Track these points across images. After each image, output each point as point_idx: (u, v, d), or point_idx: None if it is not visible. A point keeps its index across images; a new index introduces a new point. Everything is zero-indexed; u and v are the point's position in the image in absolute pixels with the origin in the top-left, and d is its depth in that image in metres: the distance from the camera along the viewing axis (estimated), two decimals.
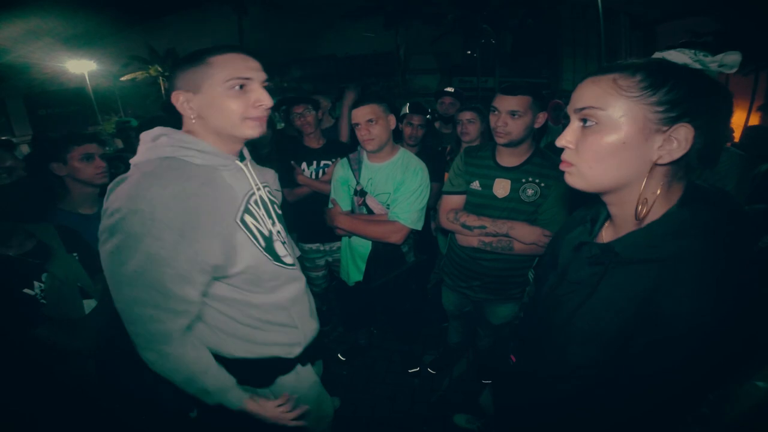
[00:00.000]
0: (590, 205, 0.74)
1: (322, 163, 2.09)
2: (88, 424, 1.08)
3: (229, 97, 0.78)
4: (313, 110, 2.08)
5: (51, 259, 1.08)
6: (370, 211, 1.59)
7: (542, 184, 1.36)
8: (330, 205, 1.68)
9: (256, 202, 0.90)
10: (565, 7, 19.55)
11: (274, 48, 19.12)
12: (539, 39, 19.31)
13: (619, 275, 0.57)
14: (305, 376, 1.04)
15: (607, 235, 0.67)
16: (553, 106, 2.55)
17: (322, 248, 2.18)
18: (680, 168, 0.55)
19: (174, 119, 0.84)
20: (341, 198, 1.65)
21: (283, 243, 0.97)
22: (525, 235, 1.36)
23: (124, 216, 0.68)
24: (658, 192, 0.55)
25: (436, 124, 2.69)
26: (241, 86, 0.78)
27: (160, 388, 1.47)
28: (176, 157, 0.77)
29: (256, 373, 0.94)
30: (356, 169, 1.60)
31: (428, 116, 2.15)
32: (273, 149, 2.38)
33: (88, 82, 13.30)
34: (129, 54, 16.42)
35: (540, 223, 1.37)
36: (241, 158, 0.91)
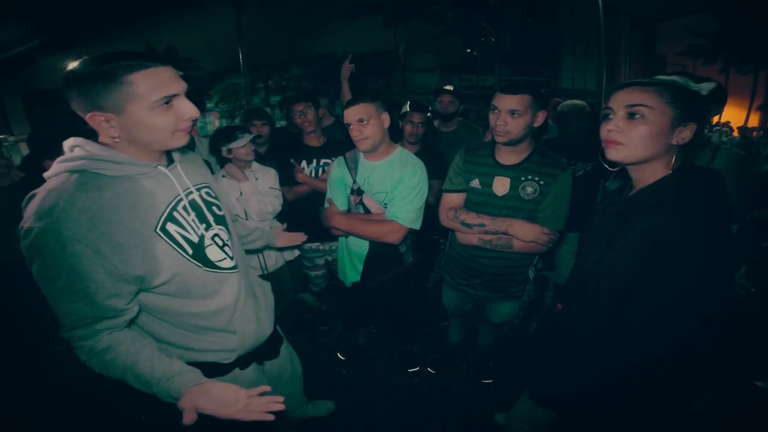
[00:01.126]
0: (617, 183, 1.03)
1: (322, 161, 2.08)
2: (92, 421, 1.08)
3: (157, 114, 0.74)
4: (314, 108, 2.07)
5: None
6: (367, 211, 1.57)
7: (541, 182, 1.35)
8: (326, 205, 1.67)
9: (184, 208, 0.87)
10: (565, 6, 19.52)
11: (273, 46, 19.08)
12: (539, 37, 19.29)
13: (636, 220, 0.83)
14: (244, 381, 1.00)
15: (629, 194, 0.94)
16: (553, 105, 2.54)
17: (321, 247, 2.17)
18: (684, 150, 0.84)
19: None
20: (338, 197, 1.63)
21: (222, 246, 0.94)
22: (524, 233, 1.36)
23: (36, 236, 0.68)
24: (673, 160, 0.84)
25: (435, 123, 2.68)
26: (167, 102, 0.75)
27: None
28: (87, 170, 0.74)
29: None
30: (353, 167, 1.58)
31: (429, 114, 2.15)
32: (272, 147, 2.37)
33: None
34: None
35: (539, 220, 1.37)
36: (169, 162, 0.88)
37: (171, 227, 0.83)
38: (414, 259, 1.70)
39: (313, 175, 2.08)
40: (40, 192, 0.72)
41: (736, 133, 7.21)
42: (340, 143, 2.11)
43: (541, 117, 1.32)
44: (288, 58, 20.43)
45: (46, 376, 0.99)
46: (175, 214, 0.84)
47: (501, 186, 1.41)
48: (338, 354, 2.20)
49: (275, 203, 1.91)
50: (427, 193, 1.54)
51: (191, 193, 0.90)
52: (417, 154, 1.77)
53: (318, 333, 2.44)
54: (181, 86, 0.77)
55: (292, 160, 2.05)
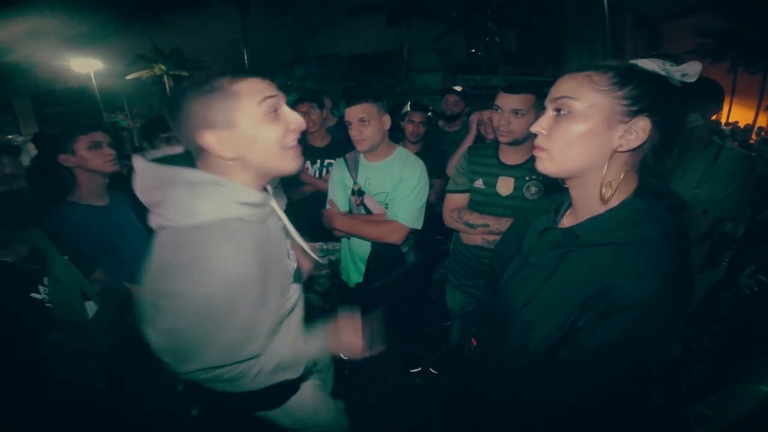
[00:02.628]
0: (553, 197, 0.80)
1: (326, 161, 2.09)
2: (96, 426, 1.09)
3: (266, 124, 0.69)
4: (318, 108, 2.08)
5: (48, 263, 1.06)
6: (368, 211, 1.58)
7: (546, 182, 1.35)
8: (328, 206, 1.67)
9: (284, 230, 0.91)
10: (570, 5, 19.40)
11: (277, 46, 19.15)
12: (544, 37, 19.19)
13: (578, 257, 0.64)
14: (308, 392, 1.05)
15: (568, 221, 0.73)
16: None
17: (325, 247, 2.18)
18: (637, 160, 0.62)
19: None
20: (339, 198, 1.63)
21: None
22: None
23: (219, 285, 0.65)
24: (621, 176, 0.62)
25: (440, 123, 2.67)
26: (275, 110, 0.71)
27: (164, 389, 1.49)
28: (230, 219, 0.68)
29: (269, 398, 0.95)
30: (353, 168, 1.58)
31: (429, 114, 2.15)
32: None
33: (93, 80, 13.38)
34: (134, 53, 16.50)
35: None
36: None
37: (287, 259, 0.88)
38: (416, 259, 1.70)
39: (317, 175, 2.09)
40: (195, 242, 0.66)
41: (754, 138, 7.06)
42: (344, 143, 2.12)
43: None
44: (292, 58, 20.50)
45: (37, 379, 0.99)
46: (286, 243, 0.89)
47: (505, 186, 1.40)
48: (340, 354, 2.20)
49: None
50: (427, 192, 1.54)
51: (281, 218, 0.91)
52: (418, 153, 1.77)
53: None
54: (281, 95, 0.73)
55: None
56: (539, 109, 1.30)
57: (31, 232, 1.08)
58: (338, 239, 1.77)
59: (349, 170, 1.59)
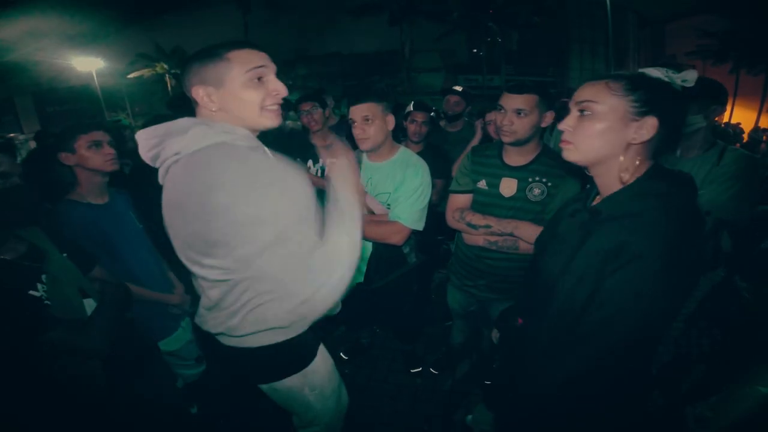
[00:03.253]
0: (586, 191, 0.93)
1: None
2: (96, 424, 1.08)
3: (249, 88, 0.82)
4: (320, 108, 2.08)
5: (46, 260, 1.05)
6: (370, 212, 1.57)
7: (549, 184, 1.34)
8: None
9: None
10: (572, 6, 19.36)
11: (278, 45, 19.15)
12: (546, 37, 19.15)
13: (602, 229, 0.76)
14: (321, 359, 1.07)
15: (593, 202, 0.87)
16: (561, 105, 2.52)
17: None
18: (649, 150, 0.76)
19: (181, 116, 0.84)
20: None
21: None
22: (530, 235, 1.34)
23: (239, 186, 0.72)
24: (636, 163, 0.75)
25: (441, 123, 2.67)
26: (259, 78, 0.83)
27: (164, 387, 1.49)
28: (226, 142, 0.79)
29: (301, 356, 0.99)
30: None
31: (432, 114, 2.15)
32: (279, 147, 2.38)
33: (95, 79, 13.41)
34: (135, 51, 16.53)
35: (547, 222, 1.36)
36: None
37: None
38: (417, 259, 1.70)
39: (319, 174, 2.08)
40: (198, 159, 0.76)
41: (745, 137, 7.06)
42: (346, 143, 2.11)
43: (548, 117, 1.31)
44: (294, 57, 20.51)
45: (36, 378, 0.99)
46: None
47: (508, 187, 1.40)
48: (341, 354, 2.20)
49: None
50: (430, 193, 1.53)
51: None
52: (420, 153, 1.76)
53: (321, 332, 2.44)
54: (272, 66, 0.86)
55: (298, 160, 2.05)
56: (543, 109, 1.29)
57: (29, 230, 1.08)
58: None
59: None
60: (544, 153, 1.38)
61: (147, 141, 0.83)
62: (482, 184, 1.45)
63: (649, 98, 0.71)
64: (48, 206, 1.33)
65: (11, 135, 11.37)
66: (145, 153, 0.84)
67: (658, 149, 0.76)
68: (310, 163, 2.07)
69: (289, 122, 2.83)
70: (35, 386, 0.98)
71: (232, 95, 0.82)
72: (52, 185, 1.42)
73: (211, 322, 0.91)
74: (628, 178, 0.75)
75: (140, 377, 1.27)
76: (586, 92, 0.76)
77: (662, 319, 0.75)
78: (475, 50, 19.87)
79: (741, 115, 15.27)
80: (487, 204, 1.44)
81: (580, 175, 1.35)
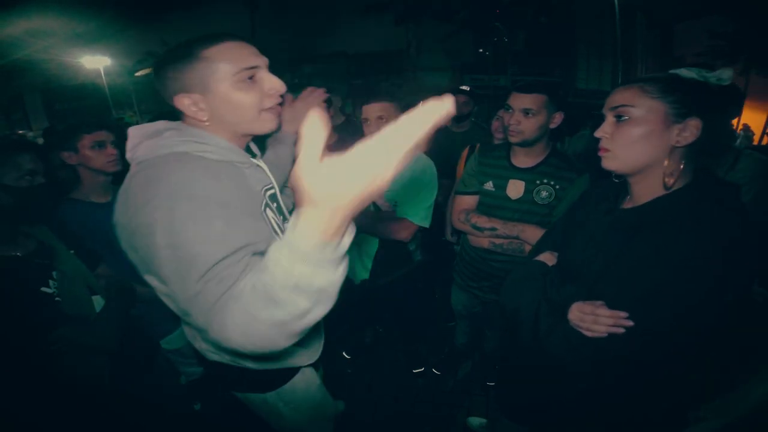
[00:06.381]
0: (609, 184, 0.88)
1: None
2: (101, 422, 1.09)
3: (242, 90, 0.71)
4: (326, 106, 2.07)
5: (56, 258, 1.06)
6: (377, 209, 1.58)
7: (557, 186, 1.32)
8: None
9: (272, 197, 0.86)
10: (580, 6, 19.20)
11: (284, 44, 19.19)
12: (553, 37, 19.01)
13: (645, 234, 0.72)
14: (310, 375, 1.03)
15: (628, 203, 0.82)
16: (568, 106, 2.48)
17: None
18: (693, 152, 0.72)
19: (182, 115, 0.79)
20: None
21: None
22: (535, 239, 1.33)
23: (161, 209, 0.61)
24: (681, 167, 0.71)
25: (447, 123, 2.65)
26: (251, 77, 0.72)
27: (167, 384, 1.49)
28: (189, 153, 0.69)
29: (271, 380, 0.93)
30: None
31: None
32: None
33: (103, 77, 13.53)
34: (143, 50, 16.63)
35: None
36: (253, 155, 0.87)
37: (269, 212, 0.81)
38: (422, 257, 1.70)
39: None
40: (144, 171, 0.65)
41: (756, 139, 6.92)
42: (350, 142, 2.11)
43: (557, 118, 1.29)
44: (299, 56, 20.52)
45: (47, 374, 0.99)
46: (268, 201, 0.83)
47: (515, 189, 1.38)
48: (344, 353, 2.19)
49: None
50: (437, 192, 1.53)
51: (273, 186, 0.88)
52: (426, 153, 1.75)
53: (324, 331, 2.44)
54: (262, 60, 0.74)
55: None
56: (551, 110, 1.28)
57: (37, 227, 1.09)
58: None
59: None
60: (553, 155, 1.36)
61: (130, 141, 0.74)
62: (489, 185, 1.43)
63: (690, 99, 0.68)
64: (50, 204, 1.34)
65: (20, 132, 11.51)
66: (128, 154, 0.74)
67: (703, 151, 0.73)
68: None
69: None
70: (45, 382, 0.98)
71: (223, 100, 0.71)
72: (56, 184, 1.43)
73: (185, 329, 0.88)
74: (674, 183, 0.72)
75: (149, 372, 1.28)
76: (621, 97, 0.73)
77: (715, 324, 0.72)
78: (481, 50, 19.76)
79: (751, 118, 15.05)
80: (494, 206, 1.42)
81: (590, 178, 1.33)
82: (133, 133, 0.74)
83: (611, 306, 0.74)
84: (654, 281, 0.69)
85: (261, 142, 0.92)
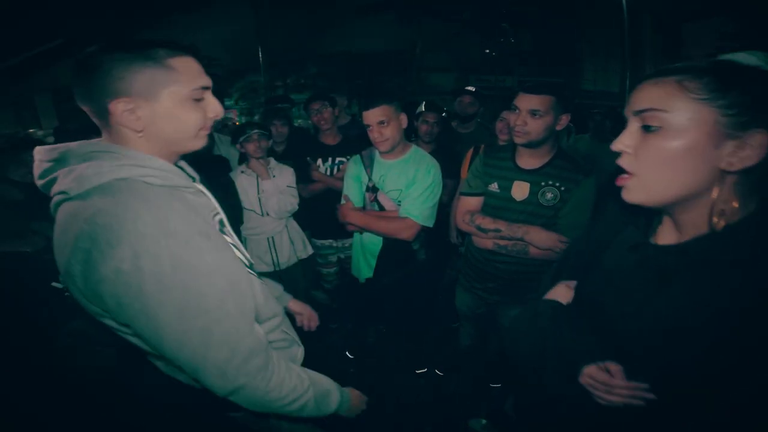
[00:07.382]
0: (629, 210, 0.67)
1: (338, 159, 2.09)
2: (108, 416, 1.10)
3: (189, 108, 0.67)
4: (330, 107, 2.08)
5: None
6: (381, 208, 1.59)
7: (562, 188, 1.32)
8: (342, 201, 1.68)
9: (221, 223, 0.78)
10: (587, 6, 19.02)
11: (290, 44, 19.27)
12: (559, 38, 18.86)
13: (690, 277, 0.54)
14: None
15: (664, 237, 0.62)
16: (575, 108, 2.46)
17: (334, 244, 2.18)
18: (755, 176, 0.50)
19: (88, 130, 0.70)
20: (353, 194, 1.64)
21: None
22: (541, 240, 1.32)
23: (144, 253, 0.56)
24: (735, 205, 0.51)
25: (453, 123, 2.65)
26: (200, 97, 0.69)
27: (171, 382, 1.50)
28: (131, 179, 0.61)
29: None
30: (368, 165, 1.60)
31: (443, 114, 2.13)
32: (290, 146, 2.39)
33: None
34: None
35: (559, 227, 1.33)
36: (192, 179, 0.79)
37: (226, 237, 0.76)
38: (426, 257, 1.70)
39: (328, 173, 2.09)
40: (93, 206, 0.57)
41: None
42: (355, 142, 2.12)
43: (564, 120, 1.28)
44: (304, 56, 20.59)
45: (55, 368, 1.01)
46: (219, 226, 0.76)
47: (520, 191, 1.38)
48: (346, 352, 2.20)
49: (293, 202, 1.95)
50: (440, 191, 1.54)
51: (219, 212, 0.80)
52: (431, 153, 1.76)
53: (328, 331, 2.45)
54: (209, 81, 0.71)
55: (308, 158, 2.06)
56: (558, 111, 1.27)
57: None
58: (348, 237, 1.77)
59: (364, 167, 1.61)
60: (559, 156, 1.36)
61: (40, 163, 0.63)
62: (494, 186, 1.43)
63: (752, 100, 0.46)
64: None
65: (30, 130, 11.66)
66: (38, 179, 0.64)
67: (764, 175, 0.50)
68: (319, 161, 2.08)
69: (299, 121, 2.85)
70: (56, 373, 1.00)
71: (167, 113, 0.65)
72: None
73: None
74: (725, 222, 0.52)
75: (154, 367, 1.29)
76: (649, 96, 0.52)
77: None
78: (487, 50, 19.68)
79: None
80: (499, 207, 1.42)
81: (596, 181, 1.32)
82: (45, 154, 0.64)
83: (637, 367, 0.59)
84: (699, 344, 0.53)
85: (195, 165, 0.83)
